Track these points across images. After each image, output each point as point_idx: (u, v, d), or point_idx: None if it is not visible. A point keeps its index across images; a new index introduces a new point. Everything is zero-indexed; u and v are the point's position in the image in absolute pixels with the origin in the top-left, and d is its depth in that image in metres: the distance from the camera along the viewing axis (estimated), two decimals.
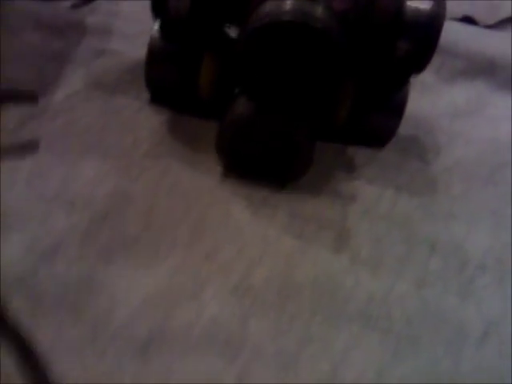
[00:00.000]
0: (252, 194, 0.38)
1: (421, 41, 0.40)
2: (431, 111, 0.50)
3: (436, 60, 0.54)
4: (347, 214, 0.39)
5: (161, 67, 0.42)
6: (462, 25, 0.60)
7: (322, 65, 0.36)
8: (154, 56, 0.42)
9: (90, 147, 0.39)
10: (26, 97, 0.42)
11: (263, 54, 0.36)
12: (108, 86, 0.45)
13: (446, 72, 0.54)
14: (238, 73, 0.37)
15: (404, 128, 0.46)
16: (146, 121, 0.42)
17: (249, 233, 0.36)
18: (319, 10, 0.35)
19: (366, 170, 0.43)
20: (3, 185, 0.35)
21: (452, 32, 0.57)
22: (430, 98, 0.52)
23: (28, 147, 0.38)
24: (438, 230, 0.39)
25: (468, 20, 0.62)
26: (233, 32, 0.41)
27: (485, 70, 0.55)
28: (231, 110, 0.38)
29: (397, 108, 0.43)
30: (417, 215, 0.40)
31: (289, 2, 0.35)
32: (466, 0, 0.64)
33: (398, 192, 0.41)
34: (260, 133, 0.38)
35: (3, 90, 0.42)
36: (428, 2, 0.40)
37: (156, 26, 0.42)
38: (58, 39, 0.49)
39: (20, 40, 0.48)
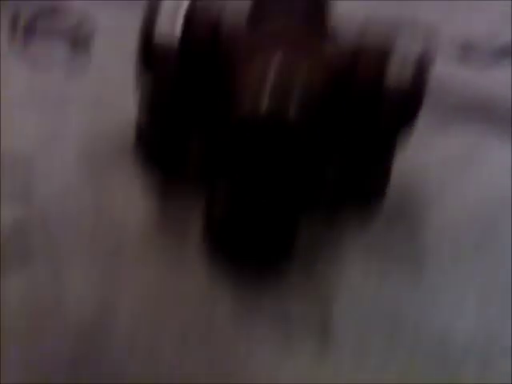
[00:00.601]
0: (238, 296, 0.40)
1: (404, 109, 0.40)
2: (422, 165, 0.49)
3: (429, 105, 0.54)
4: (331, 308, 0.40)
5: (148, 152, 0.44)
6: (458, 63, 0.58)
7: (296, 159, 0.37)
8: (141, 140, 0.44)
9: (79, 251, 0.41)
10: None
11: (239, 149, 0.37)
12: (100, 172, 0.45)
13: (440, 117, 0.53)
14: (219, 165, 0.38)
15: (393, 190, 0.46)
16: (135, 213, 0.43)
17: (231, 345, 0.37)
18: (293, 109, 0.36)
19: (353, 249, 0.43)
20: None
21: (446, 74, 0.57)
22: (421, 148, 0.50)
23: (21, 258, 0.40)
24: (423, 317, 0.40)
25: (467, 49, 0.61)
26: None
27: (481, 114, 0.54)
28: (211, 205, 0.39)
29: (382, 178, 0.44)
30: (402, 301, 0.41)
31: (263, 101, 0.36)
32: (466, 27, 0.63)
33: (385, 273, 0.42)
34: (242, 224, 0.39)
35: None
36: (410, 67, 0.40)
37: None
38: (51, 115, 0.49)
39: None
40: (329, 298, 0.40)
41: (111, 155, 0.46)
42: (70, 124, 0.48)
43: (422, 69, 0.40)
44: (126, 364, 0.36)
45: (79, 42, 0.55)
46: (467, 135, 0.53)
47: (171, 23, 0.39)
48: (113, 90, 0.48)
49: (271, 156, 0.37)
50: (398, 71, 0.39)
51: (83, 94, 0.50)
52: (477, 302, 0.41)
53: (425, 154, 0.50)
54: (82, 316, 0.37)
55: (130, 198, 0.44)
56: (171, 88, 0.41)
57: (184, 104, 0.41)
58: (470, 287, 0.42)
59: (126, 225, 0.42)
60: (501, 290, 0.41)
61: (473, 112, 0.54)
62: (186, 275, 0.40)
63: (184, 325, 0.38)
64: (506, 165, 0.51)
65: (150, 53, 0.39)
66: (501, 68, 0.58)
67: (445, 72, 0.57)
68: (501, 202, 0.48)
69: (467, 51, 0.60)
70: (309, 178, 0.39)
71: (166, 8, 0.40)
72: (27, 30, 0.55)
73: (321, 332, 0.39)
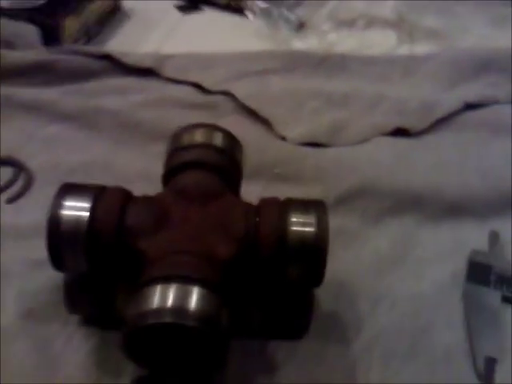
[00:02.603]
0: None
1: (308, 266, 0.41)
2: (354, 267, 0.51)
3: (359, 203, 0.56)
4: None
5: (78, 300, 0.45)
6: (387, 154, 0.60)
7: (205, 352, 0.38)
8: (69, 289, 0.45)
9: None
10: None
11: (145, 345, 0.37)
12: (40, 310, 0.47)
13: (371, 214, 0.55)
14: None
15: (325, 301, 0.48)
16: (74, 354, 0.45)
17: None
18: (197, 308, 0.36)
19: (285, 369, 0.44)
20: None
21: (375, 169, 0.59)
22: (353, 248, 0.52)
23: None
24: None
25: (400, 132, 0.63)
26: None
27: (411, 204, 0.55)
28: None
29: (304, 311, 0.45)
30: None
31: (167, 302, 0.36)
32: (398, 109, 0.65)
33: None
34: None
35: None
36: (310, 228, 0.41)
37: None
38: None
39: None
40: None
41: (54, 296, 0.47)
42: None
43: (322, 221, 0.41)
44: None
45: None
46: (399, 226, 0.55)
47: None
48: None
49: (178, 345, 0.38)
50: (299, 228, 0.41)
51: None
52: None
53: (359, 254, 0.52)
54: None
55: (67, 344, 0.45)
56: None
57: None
58: None
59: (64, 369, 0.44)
60: None
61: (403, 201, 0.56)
62: None
63: None
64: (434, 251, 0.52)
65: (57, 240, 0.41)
66: None
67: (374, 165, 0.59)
68: (427, 302, 0.49)
69: None
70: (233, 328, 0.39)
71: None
72: None
73: None
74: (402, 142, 0.62)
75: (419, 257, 0.52)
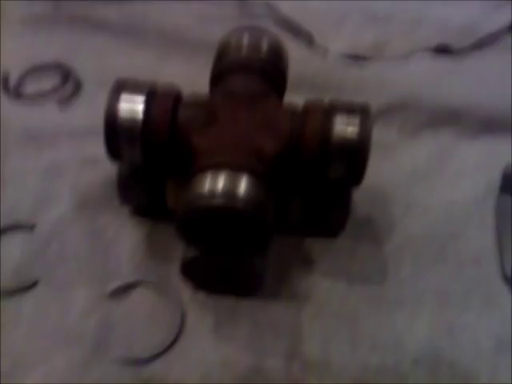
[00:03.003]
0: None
1: (350, 165, 0.43)
2: (392, 176, 0.53)
3: (399, 117, 0.57)
4: (301, 317, 0.45)
5: (131, 191, 0.48)
6: (428, 70, 0.61)
7: (250, 236, 0.41)
8: (123, 181, 0.48)
9: (79, 276, 0.46)
10: (25, 226, 0.49)
11: (197, 226, 0.40)
12: (93, 202, 0.51)
13: (409, 128, 0.56)
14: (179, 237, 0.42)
15: (361, 204, 0.50)
16: (126, 241, 0.48)
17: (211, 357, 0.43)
18: (246, 193, 0.39)
19: (321, 263, 0.48)
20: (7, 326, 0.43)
21: (416, 84, 0.59)
22: (391, 159, 0.54)
23: (28, 286, 0.45)
24: (381, 324, 0.44)
25: (442, 49, 0.63)
26: None
27: (449, 119, 0.57)
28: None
29: (342, 209, 0.47)
30: (364, 309, 0.45)
31: (218, 186, 0.39)
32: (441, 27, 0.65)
33: (350, 284, 0.47)
34: (211, 267, 0.44)
35: (5, 224, 0.49)
36: (353, 128, 0.43)
37: None
38: (46, 150, 0.54)
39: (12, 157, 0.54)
40: (299, 306, 0.45)
41: (106, 190, 0.50)
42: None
43: (365, 122, 0.43)
44: None
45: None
46: (436, 140, 0.56)
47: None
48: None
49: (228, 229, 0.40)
50: (343, 127, 0.42)
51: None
52: (432, 311, 0.45)
53: (396, 164, 0.54)
54: (85, 333, 0.43)
55: (119, 232, 0.49)
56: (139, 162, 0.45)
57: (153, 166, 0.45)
58: (427, 297, 0.46)
59: (120, 252, 0.48)
60: (453, 304, 0.46)
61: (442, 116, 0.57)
62: (169, 295, 0.45)
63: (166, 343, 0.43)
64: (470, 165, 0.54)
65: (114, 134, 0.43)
66: None
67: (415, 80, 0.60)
68: (461, 210, 0.51)
69: None
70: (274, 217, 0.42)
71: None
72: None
73: (290, 339, 0.44)
74: (444, 60, 0.62)
75: (454, 169, 0.54)
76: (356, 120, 0.43)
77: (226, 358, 0.43)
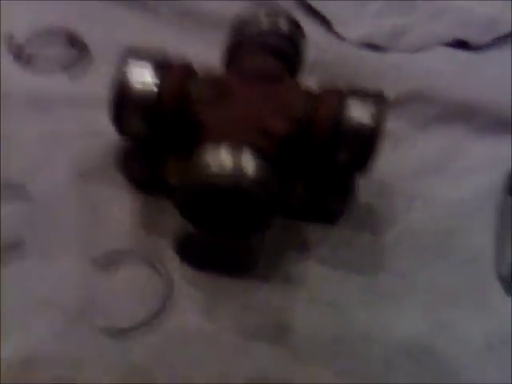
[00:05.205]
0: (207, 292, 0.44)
1: (359, 151, 0.43)
2: (399, 168, 0.53)
3: (411, 108, 0.57)
4: (294, 303, 0.45)
5: (132, 164, 0.48)
6: (445, 63, 0.60)
7: (253, 215, 0.41)
8: (124, 153, 0.48)
9: (66, 242, 0.45)
10: (17, 187, 0.48)
11: (198, 200, 0.40)
12: (90, 172, 0.50)
13: (420, 120, 0.56)
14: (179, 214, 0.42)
15: (364, 194, 0.50)
16: (118, 213, 0.48)
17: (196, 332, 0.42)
18: (253, 172, 0.39)
19: (318, 250, 0.47)
20: None
21: (431, 77, 0.59)
22: (399, 151, 0.53)
23: (11, 245, 0.44)
24: (372, 314, 0.44)
25: (460, 44, 0.62)
26: None
27: (462, 115, 0.56)
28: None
29: (342, 196, 0.47)
30: (356, 298, 0.45)
31: (223, 163, 0.39)
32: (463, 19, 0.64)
33: (345, 273, 0.46)
34: (205, 244, 0.44)
35: None
36: (368, 114, 0.42)
37: None
38: (48, 116, 0.53)
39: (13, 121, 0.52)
40: (293, 291, 0.45)
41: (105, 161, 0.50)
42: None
43: (380, 109, 0.42)
44: None
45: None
46: (448, 134, 0.55)
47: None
48: None
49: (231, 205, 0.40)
50: (357, 113, 0.42)
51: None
52: (421, 310, 0.45)
53: (405, 156, 0.54)
54: (68, 300, 0.42)
55: (113, 203, 0.48)
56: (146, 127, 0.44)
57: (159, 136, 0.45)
58: (423, 291, 0.46)
59: (112, 222, 0.47)
60: (447, 300, 0.45)
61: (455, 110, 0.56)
62: (157, 268, 0.45)
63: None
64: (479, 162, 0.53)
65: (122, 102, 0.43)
66: None
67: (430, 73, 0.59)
68: (465, 207, 0.51)
69: None
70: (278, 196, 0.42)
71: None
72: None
73: (280, 324, 0.44)
74: (461, 54, 0.61)
75: (461, 165, 0.53)
76: (371, 106, 0.43)
77: (210, 336, 0.42)
